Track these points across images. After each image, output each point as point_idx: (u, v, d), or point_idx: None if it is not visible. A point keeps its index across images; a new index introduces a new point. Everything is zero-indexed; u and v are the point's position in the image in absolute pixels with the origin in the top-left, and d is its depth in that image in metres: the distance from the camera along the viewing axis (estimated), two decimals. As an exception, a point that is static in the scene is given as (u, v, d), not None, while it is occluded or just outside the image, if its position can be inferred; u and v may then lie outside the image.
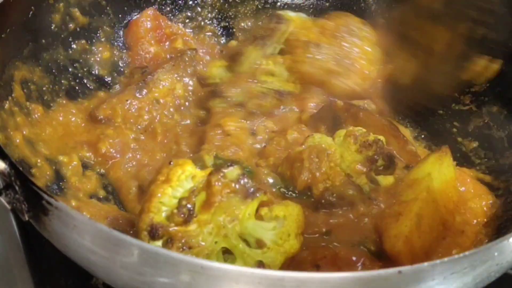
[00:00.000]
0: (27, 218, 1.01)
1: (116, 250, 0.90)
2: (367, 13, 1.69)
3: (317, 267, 1.10)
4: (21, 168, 0.98)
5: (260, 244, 1.04)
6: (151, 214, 1.03)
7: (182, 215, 1.01)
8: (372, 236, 1.17)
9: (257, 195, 1.05)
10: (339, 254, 1.12)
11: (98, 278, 1.18)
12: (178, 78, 1.48)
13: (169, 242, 1.00)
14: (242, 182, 1.04)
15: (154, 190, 1.05)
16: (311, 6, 1.75)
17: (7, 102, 1.24)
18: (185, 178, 1.06)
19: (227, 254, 1.05)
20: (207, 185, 1.04)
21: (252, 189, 1.05)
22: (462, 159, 1.44)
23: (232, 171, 1.05)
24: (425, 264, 0.87)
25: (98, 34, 1.54)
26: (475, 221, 1.23)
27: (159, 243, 1.01)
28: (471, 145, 1.46)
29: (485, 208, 1.25)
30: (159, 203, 1.04)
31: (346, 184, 1.25)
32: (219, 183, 1.03)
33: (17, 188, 0.98)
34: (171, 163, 1.07)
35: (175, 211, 1.02)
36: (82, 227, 0.92)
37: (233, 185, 1.04)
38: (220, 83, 1.53)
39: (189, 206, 1.02)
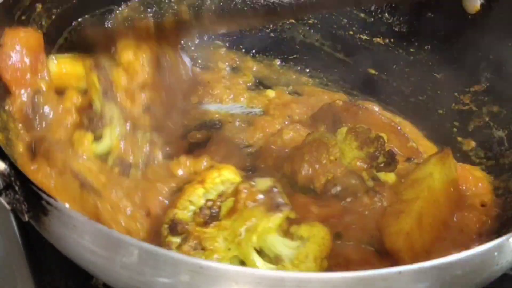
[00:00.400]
0: (27, 219, 1.01)
1: (116, 250, 0.90)
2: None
3: None
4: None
5: (277, 259, 1.02)
6: (176, 210, 1.04)
7: (203, 216, 1.02)
8: (377, 234, 1.16)
9: (282, 209, 1.03)
10: (350, 257, 1.11)
11: (98, 278, 1.18)
12: None
13: (184, 240, 1.00)
14: (270, 194, 1.04)
15: (187, 188, 1.07)
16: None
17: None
18: (221, 181, 1.08)
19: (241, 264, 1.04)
20: (235, 191, 1.05)
21: (278, 203, 1.04)
22: (462, 159, 1.44)
23: (264, 182, 1.06)
24: (425, 264, 0.87)
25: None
26: (475, 219, 1.23)
27: (177, 239, 1.01)
28: (471, 145, 1.46)
29: (486, 207, 1.25)
30: (187, 201, 1.05)
31: (348, 174, 1.23)
32: (246, 191, 1.03)
33: (17, 188, 0.98)
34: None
35: (198, 210, 1.03)
36: (82, 227, 0.92)
37: (258, 196, 1.03)
38: None
39: (212, 207, 1.03)
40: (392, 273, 0.86)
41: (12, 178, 0.98)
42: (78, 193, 1.11)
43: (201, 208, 1.03)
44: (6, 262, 1.22)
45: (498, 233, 1.19)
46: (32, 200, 0.97)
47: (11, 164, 0.98)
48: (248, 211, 1.02)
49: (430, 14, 1.57)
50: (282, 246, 1.03)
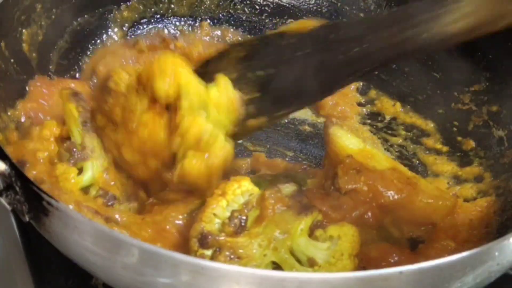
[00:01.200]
0: (27, 219, 1.01)
1: (116, 250, 0.90)
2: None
3: None
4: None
5: (311, 262, 1.02)
6: (203, 223, 1.04)
7: (233, 226, 1.03)
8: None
9: (311, 212, 1.06)
10: (370, 255, 1.13)
11: (98, 278, 1.18)
12: None
13: (217, 251, 1.01)
14: (296, 198, 1.06)
15: (209, 201, 1.07)
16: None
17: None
18: (241, 193, 1.09)
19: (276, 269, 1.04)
20: (261, 199, 1.06)
21: (305, 205, 1.06)
22: (462, 159, 1.44)
23: (288, 187, 1.08)
24: (426, 264, 0.87)
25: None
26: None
27: (208, 252, 1.02)
28: (470, 144, 1.46)
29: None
30: (212, 214, 1.05)
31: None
32: (273, 196, 1.05)
33: (17, 189, 0.98)
34: (230, 179, 1.09)
35: (227, 221, 1.04)
36: (83, 227, 0.92)
37: (287, 199, 1.05)
38: None
39: (241, 217, 1.04)
40: (392, 273, 0.87)
41: (13, 179, 0.98)
42: None
43: (230, 218, 1.04)
44: (6, 262, 1.22)
45: (498, 233, 1.19)
46: (32, 200, 0.97)
47: (12, 165, 0.98)
48: (278, 216, 1.04)
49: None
50: (314, 248, 1.04)
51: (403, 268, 0.86)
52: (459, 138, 1.48)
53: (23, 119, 1.26)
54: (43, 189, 0.94)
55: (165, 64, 1.09)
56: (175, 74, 1.08)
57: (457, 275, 0.91)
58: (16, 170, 0.98)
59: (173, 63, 1.10)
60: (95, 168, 1.17)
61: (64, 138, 1.21)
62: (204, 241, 1.01)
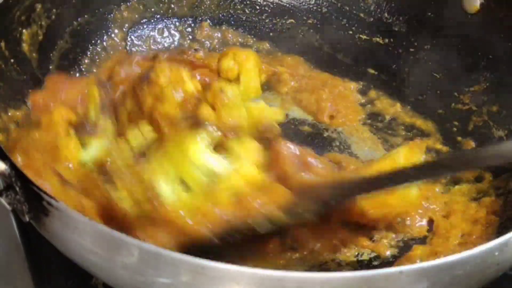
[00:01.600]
0: (27, 219, 1.01)
1: (116, 250, 0.90)
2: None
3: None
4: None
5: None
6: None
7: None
8: None
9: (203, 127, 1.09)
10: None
11: (98, 278, 1.18)
12: None
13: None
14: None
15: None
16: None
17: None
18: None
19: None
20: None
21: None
22: (462, 159, 1.44)
23: None
24: (426, 264, 0.87)
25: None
26: None
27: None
28: (470, 145, 1.46)
29: None
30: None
31: None
32: None
33: (17, 189, 0.98)
34: None
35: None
36: (83, 228, 0.92)
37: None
38: None
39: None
40: (392, 273, 0.87)
41: (13, 179, 0.98)
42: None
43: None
44: (6, 262, 1.22)
45: (498, 233, 1.19)
46: (33, 200, 0.97)
47: (12, 165, 0.98)
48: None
49: (430, 14, 1.57)
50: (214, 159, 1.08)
51: (403, 268, 0.86)
52: (459, 138, 1.48)
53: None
54: (43, 189, 0.94)
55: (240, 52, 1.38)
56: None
57: (457, 275, 0.91)
58: (16, 170, 0.98)
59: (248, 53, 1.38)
60: (99, 149, 1.18)
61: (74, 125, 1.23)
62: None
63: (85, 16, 1.53)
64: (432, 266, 0.87)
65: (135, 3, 1.63)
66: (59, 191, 1.09)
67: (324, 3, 1.73)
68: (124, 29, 1.62)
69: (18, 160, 1.11)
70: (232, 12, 1.73)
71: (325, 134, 1.53)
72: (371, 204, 1.19)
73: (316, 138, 1.56)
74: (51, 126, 1.19)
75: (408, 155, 1.20)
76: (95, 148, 1.19)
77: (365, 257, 1.22)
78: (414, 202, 1.25)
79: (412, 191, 1.22)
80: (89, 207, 1.08)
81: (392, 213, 1.24)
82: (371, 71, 1.66)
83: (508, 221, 1.22)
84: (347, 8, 1.70)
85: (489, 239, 1.18)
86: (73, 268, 1.08)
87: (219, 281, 0.86)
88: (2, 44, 1.25)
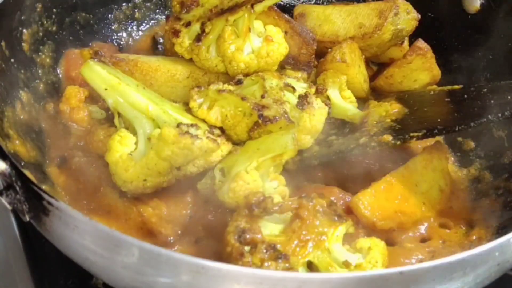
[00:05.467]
0: (28, 219, 1.01)
1: (116, 250, 0.90)
2: None
3: None
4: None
5: (346, 264, 1.04)
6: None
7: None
8: None
9: (345, 220, 1.08)
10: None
11: (98, 278, 1.18)
12: None
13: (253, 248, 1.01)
14: (331, 207, 1.09)
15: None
16: None
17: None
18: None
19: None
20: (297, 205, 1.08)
21: (339, 215, 1.08)
22: (462, 159, 1.44)
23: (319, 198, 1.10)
24: (426, 264, 0.87)
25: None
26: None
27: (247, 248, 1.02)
28: (471, 145, 1.45)
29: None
30: None
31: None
32: (311, 204, 1.08)
33: (18, 188, 0.98)
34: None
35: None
36: (83, 227, 0.92)
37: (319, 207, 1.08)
38: None
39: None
40: (392, 273, 0.87)
41: (13, 178, 0.98)
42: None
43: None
44: (6, 262, 1.22)
45: (498, 233, 1.19)
46: (33, 200, 0.97)
47: (12, 164, 0.98)
48: (314, 220, 1.06)
49: (430, 14, 1.57)
50: (348, 254, 1.07)
51: (403, 268, 0.86)
52: (459, 138, 1.47)
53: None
54: (43, 189, 0.94)
55: None
56: None
57: (457, 275, 0.91)
58: (16, 170, 0.98)
59: None
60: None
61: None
62: (242, 237, 1.01)
63: (85, 15, 1.52)
64: (432, 267, 0.87)
65: (136, 2, 1.63)
66: None
67: (324, 3, 1.73)
68: (125, 28, 1.62)
69: None
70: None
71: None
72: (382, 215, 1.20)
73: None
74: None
75: None
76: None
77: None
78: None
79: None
80: None
81: (409, 222, 1.23)
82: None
83: (508, 221, 1.22)
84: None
85: (489, 239, 1.19)
86: (73, 268, 1.08)
87: (219, 281, 0.86)
88: (2, 44, 1.25)
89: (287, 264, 0.99)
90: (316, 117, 1.19)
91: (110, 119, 1.27)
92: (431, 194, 1.26)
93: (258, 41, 1.31)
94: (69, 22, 1.48)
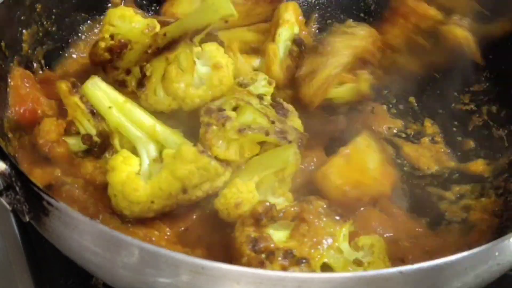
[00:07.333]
0: (27, 219, 1.01)
1: (116, 250, 0.90)
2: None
3: None
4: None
5: (357, 262, 1.05)
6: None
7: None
8: None
9: (348, 218, 1.10)
10: None
11: (98, 278, 1.18)
12: None
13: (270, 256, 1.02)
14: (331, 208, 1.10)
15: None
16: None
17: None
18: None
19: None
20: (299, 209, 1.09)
21: (340, 214, 1.10)
22: (462, 159, 1.44)
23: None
24: (426, 264, 0.87)
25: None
26: None
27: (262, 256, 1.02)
28: (470, 145, 1.46)
29: None
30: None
31: None
32: (311, 206, 1.08)
33: (17, 189, 0.98)
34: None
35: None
36: (83, 227, 0.92)
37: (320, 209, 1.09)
38: None
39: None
40: (392, 273, 0.87)
41: (13, 179, 0.98)
42: None
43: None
44: (6, 262, 1.22)
45: (498, 233, 1.19)
46: (32, 200, 0.97)
47: (12, 165, 0.98)
48: (319, 222, 1.07)
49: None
50: (355, 252, 1.08)
51: (403, 268, 0.86)
52: (459, 138, 1.48)
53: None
54: (43, 189, 0.94)
55: None
56: None
57: (457, 275, 0.91)
58: (16, 170, 0.98)
59: None
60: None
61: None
62: (256, 246, 1.01)
63: (85, 15, 1.53)
64: (432, 266, 0.87)
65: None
66: None
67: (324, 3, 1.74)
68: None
69: None
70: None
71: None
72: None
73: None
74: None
75: None
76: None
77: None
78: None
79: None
80: None
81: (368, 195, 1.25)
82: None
83: (508, 221, 1.22)
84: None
85: (489, 239, 1.18)
86: (73, 268, 1.08)
87: (219, 281, 0.86)
88: (2, 44, 1.25)
89: (309, 268, 1.00)
90: None
91: (89, 150, 1.22)
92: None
93: (205, 68, 1.27)
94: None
